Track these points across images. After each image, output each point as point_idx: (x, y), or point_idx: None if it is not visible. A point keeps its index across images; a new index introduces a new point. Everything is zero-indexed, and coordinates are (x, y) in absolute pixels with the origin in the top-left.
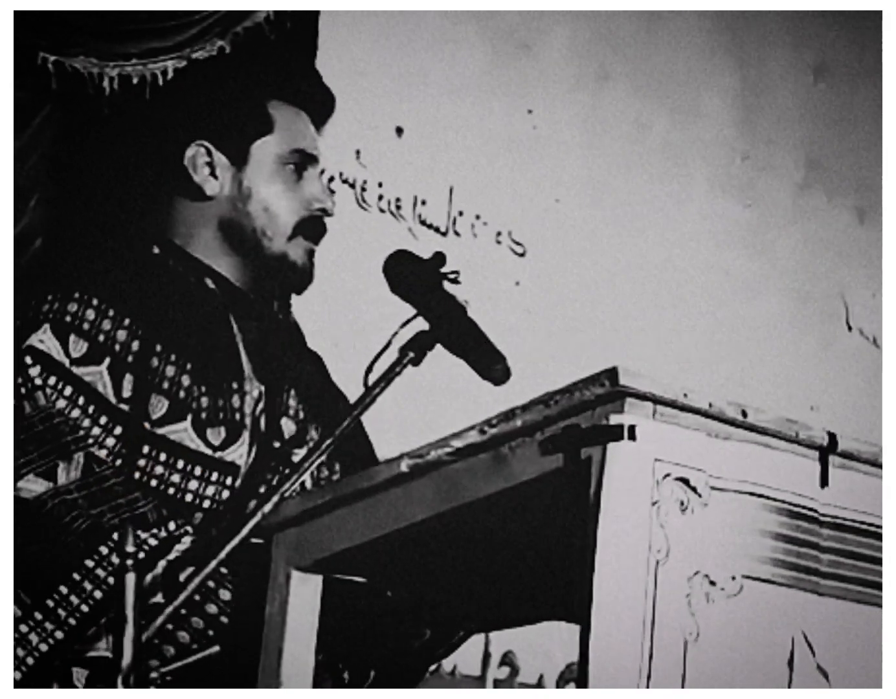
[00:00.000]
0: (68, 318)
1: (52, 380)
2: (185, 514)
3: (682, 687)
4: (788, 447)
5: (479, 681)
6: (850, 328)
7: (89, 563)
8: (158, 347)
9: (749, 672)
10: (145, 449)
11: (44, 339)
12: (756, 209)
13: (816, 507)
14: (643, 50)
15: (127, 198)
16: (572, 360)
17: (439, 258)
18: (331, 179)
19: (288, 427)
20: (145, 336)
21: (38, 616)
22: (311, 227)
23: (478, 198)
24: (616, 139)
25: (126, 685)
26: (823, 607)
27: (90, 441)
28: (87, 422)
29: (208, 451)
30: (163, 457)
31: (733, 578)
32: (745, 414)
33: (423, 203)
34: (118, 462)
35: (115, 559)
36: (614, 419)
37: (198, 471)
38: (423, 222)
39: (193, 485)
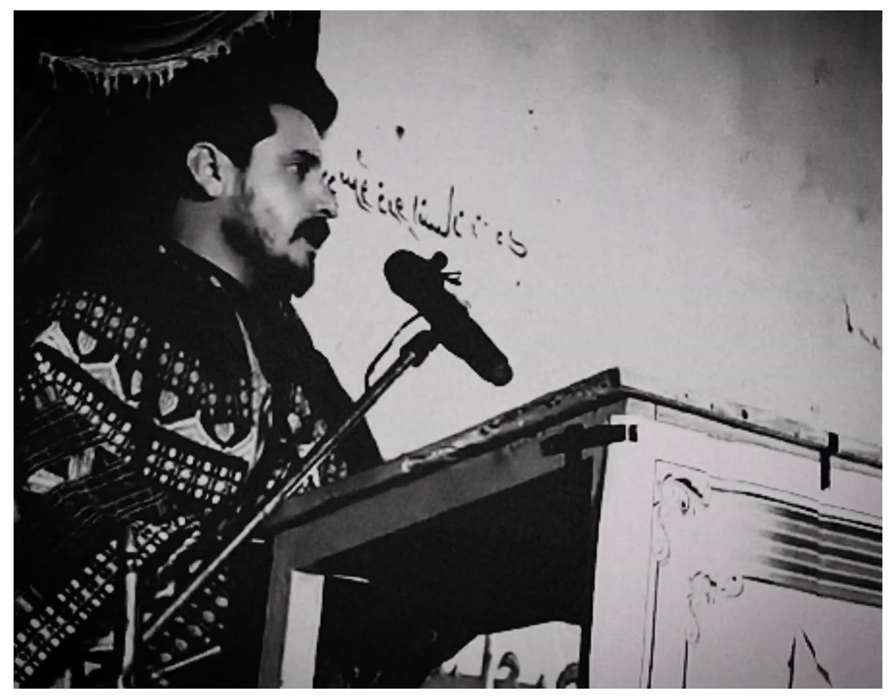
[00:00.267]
0: (77, 316)
1: (61, 377)
2: (195, 510)
3: (683, 687)
4: (789, 448)
5: (479, 682)
6: (850, 329)
7: (101, 558)
8: (167, 345)
9: (750, 672)
10: (155, 445)
11: (53, 336)
12: (757, 209)
13: (817, 508)
14: (644, 50)
15: (129, 197)
16: (573, 361)
17: (440, 258)
18: (331, 179)
19: (295, 423)
20: (153, 333)
21: (50, 611)
22: (314, 228)
23: (479, 198)
24: (617, 139)
25: (127, 685)
26: (824, 608)
27: (100, 436)
28: (96, 419)
29: (217, 447)
30: (172, 452)
31: (734, 579)
32: (745, 414)
33: (424, 203)
34: (128, 458)
35: (134, 549)
36: (615, 419)
37: (207, 466)
38: (423, 222)
39: (203, 480)
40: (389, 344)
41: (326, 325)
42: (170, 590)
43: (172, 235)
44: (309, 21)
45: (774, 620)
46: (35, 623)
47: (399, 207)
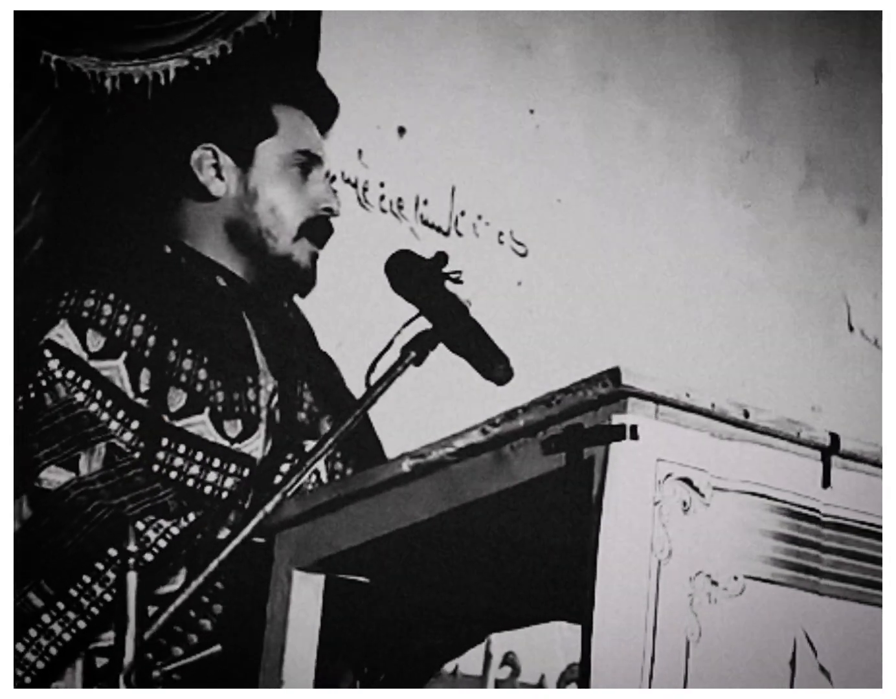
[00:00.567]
0: (85, 314)
1: (70, 374)
2: (205, 506)
3: (685, 687)
4: (790, 447)
5: (480, 681)
6: (851, 329)
7: (112, 553)
8: (175, 342)
9: (751, 672)
10: (164, 441)
11: (62, 334)
12: (757, 209)
13: (818, 508)
14: (645, 50)
15: (130, 197)
16: (574, 360)
17: (441, 258)
18: (333, 179)
19: (302, 420)
20: (161, 331)
21: (61, 606)
22: (317, 228)
23: (480, 198)
24: (618, 139)
25: (128, 683)
26: (825, 607)
27: (110, 432)
28: (105, 416)
29: (226, 444)
30: (182, 448)
31: (735, 578)
32: (747, 414)
33: (425, 203)
34: (137, 454)
35: (135, 548)
36: (617, 419)
37: (216, 462)
38: (424, 222)
39: (212, 476)
40: (390, 343)
41: (327, 325)
42: (176, 584)
43: (177, 235)
44: (310, 21)
45: (776, 620)
46: (46, 618)
47: (400, 207)
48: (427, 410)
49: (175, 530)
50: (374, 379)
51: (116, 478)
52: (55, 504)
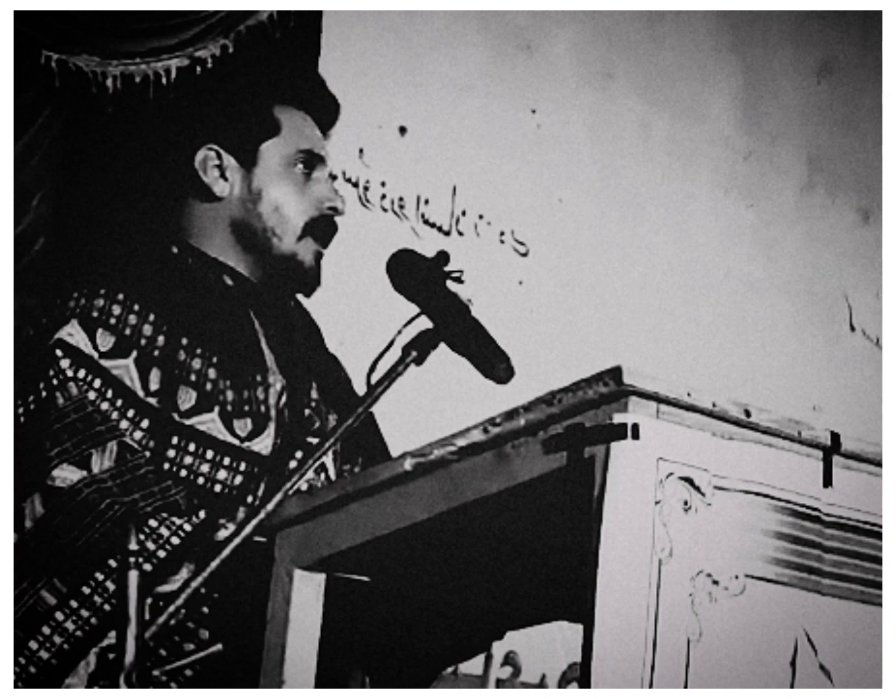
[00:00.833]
0: (95, 313)
1: (81, 373)
2: (215, 504)
3: (685, 686)
4: (792, 447)
5: (480, 681)
6: (853, 328)
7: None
8: (184, 341)
9: (752, 672)
10: (175, 439)
11: (73, 333)
12: (759, 209)
13: (820, 507)
14: (647, 50)
15: (131, 196)
16: (575, 359)
17: (443, 257)
18: (334, 178)
19: (311, 419)
20: (170, 331)
21: (74, 603)
22: (322, 227)
23: (481, 197)
24: (619, 139)
25: (129, 683)
26: (826, 607)
27: (121, 430)
28: (115, 415)
29: (236, 442)
30: (192, 447)
31: (736, 578)
32: (748, 413)
33: (427, 202)
34: (148, 452)
35: (150, 545)
36: (618, 418)
37: (226, 461)
38: (426, 221)
39: (222, 474)
40: (391, 342)
41: (329, 324)
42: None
43: (183, 236)
44: (311, 20)
45: (777, 620)
46: (59, 615)
47: (401, 206)
48: (428, 409)
49: (188, 527)
50: (375, 378)
51: (128, 476)
52: (68, 502)
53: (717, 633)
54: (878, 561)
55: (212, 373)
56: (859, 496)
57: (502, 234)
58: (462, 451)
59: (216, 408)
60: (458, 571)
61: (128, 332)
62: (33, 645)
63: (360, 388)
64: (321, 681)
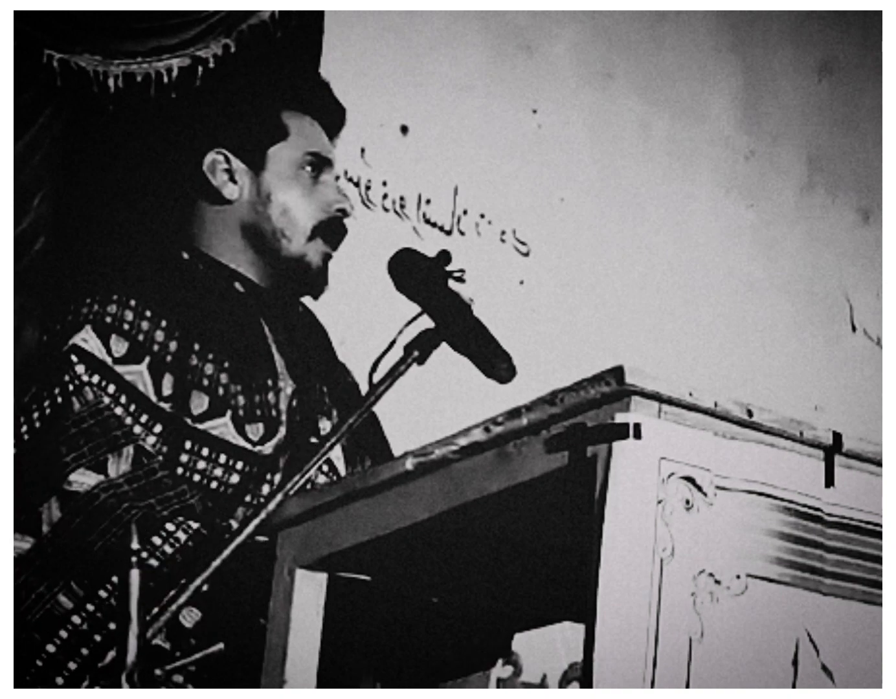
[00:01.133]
0: (108, 319)
1: (95, 379)
2: (228, 508)
3: (687, 686)
4: (793, 447)
5: (481, 681)
6: (854, 328)
7: (143, 555)
8: (196, 347)
9: (753, 671)
10: (188, 444)
11: (87, 339)
12: (760, 208)
13: (821, 507)
14: (647, 50)
15: (133, 196)
16: (577, 359)
17: (444, 256)
18: (336, 178)
19: (322, 423)
20: (182, 336)
21: (91, 607)
22: (331, 229)
23: (482, 197)
24: (620, 138)
25: (130, 682)
26: (828, 607)
27: (136, 436)
28: (129, 421)
29: (248, 446)
30: (205, 451)
31: (738, 577)
32: (750, 413)
33: (428, 202)
34: (162, 457)
35: (167, 549)
36: (620, 418)
37: (239, 465)
38: (427, 221)
39: (235, 479)
40: (393, 342)
41: (331, 323)
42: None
43: (193, 240)
44: (313, 19)
45: (778, 619)
46: (76, 619)
47: (403, 206)
48: (430, 409)
49: (205, 531)
50: (377, 378)
51: (144, 481)
52: (85, 506)
53: (719, 633)
54: (880, 561)
55: (224, 378)
56: (861, 496)
57: (503, 233)
58: (463, 451)
59: (228, 413)
60: (459, 571)
61: (141, 337)
62: (51, 648)
63: (362, 388)
64: (322, 681)
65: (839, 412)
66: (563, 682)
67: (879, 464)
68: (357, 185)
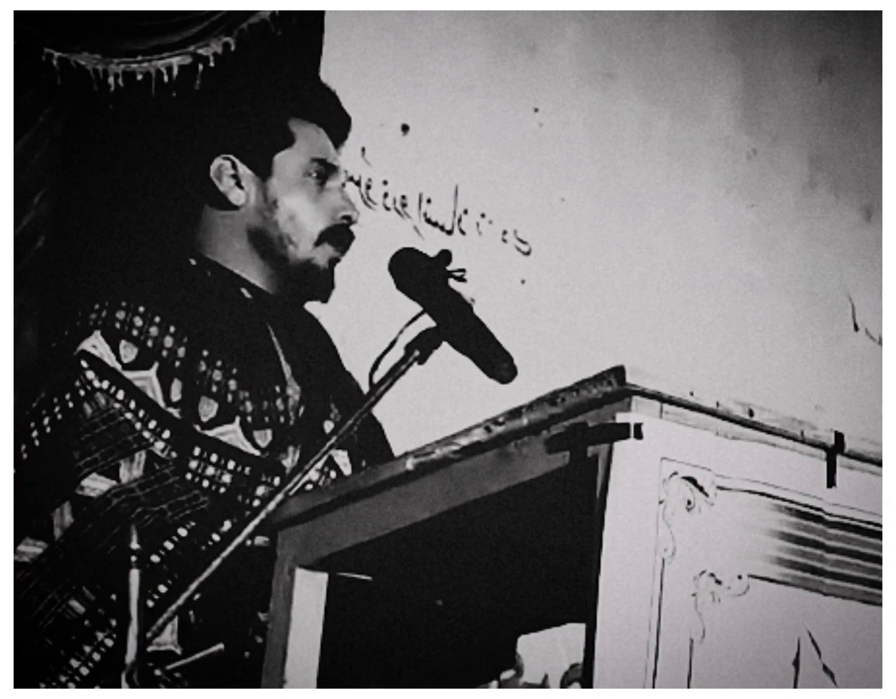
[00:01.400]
0: (118, 325)
1: (105, 384)
2: (239, 513)
3: (688, 686)
4: (795, 447)
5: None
6: (856, 328)
7: (155, 559)
8: (205, 353)
9: (755, 672)
10: (197, 450)
11: (96, 345)
12: (761, 208)
13: (823, 507)
14: (648, 50)
15: (133, 195)
16: (578, 359)
17: (445, 255)
18: (342, 185)
19: (329, 429)
20: (191, 343)
21: (102, 612)
22: (337, 235)
23: (483, 196)
24: (621, 138)
25: (130, 682)
26: (830, 607)
27: (148, 441)
28: (138, 426)
29: (256, 453)
30: (214, 458)
31: (739, 578)
32: (751, 413)
33: (429, 201)
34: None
35: (180, 553)
36: (621, 417)
37: (248, 471)
38: (428, 220)
39: (244, 484)
40: (394, 341)
41: (331, 323)
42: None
43: (200, 246)
44: (314, 18)
45: (780, 619)
46: (88, 624)
47: (404, 205)
48: (430, 409)
49: (216, 536)
50: (377, 377)
51: (156, 486)
52: (97, 511)
53: (720, 633)
54: (881, 561)
55: (232, 384)
56: (862, 496)
57: (504, 233)
58: (465, 451)
59: (237, 419)
60: (460, 571)
61: (150, 343)
62: (62, 653)
63: (364, 390)
64: (323, 681)
65: (840, 412)
66: (565, 683)
67: (880, 464)
68: (358, 184)
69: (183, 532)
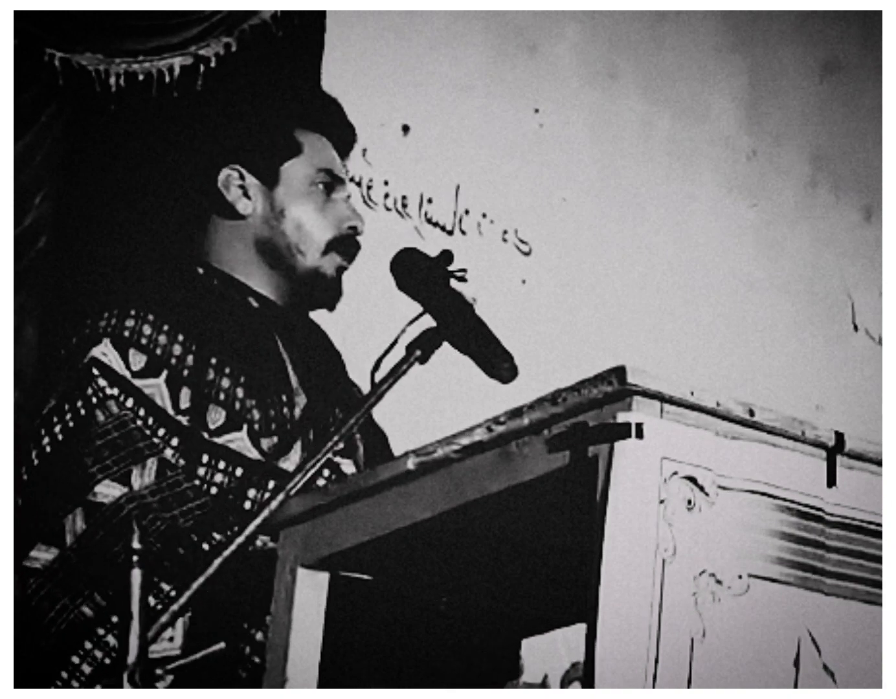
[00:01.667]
0: (127, 333)
1: (114, 391)
2: (246, 520)
3: (689, 686)
4: (796, 446)
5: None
6: (856, 328)
7: (167, 564)
8: (213, 361)
9: (755, 671)
10: (205, 458)
11: (106, 353)
12: (762, 208)
13: (823, 507)
14: (649, 50)
15: (135, 197)
16: (579, 359)
17: (446, 256)
18: (347, 196)
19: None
20: (199, 351)
21: (114, 618)
22: (344, 245)
23: (484, 196)
24: (622, 138)
25: (131, 681)
26: (830, 607)
27: (159, 448)
28: (147, 433)
29: (264, 460)
30: (222, 465)
31: (740, 577)
32: (752, 413)
33: (430, 201)
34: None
35: (191, 559)
36: (622, 417)
37: (255, 478)
38: (429, 221)
39: (252, 492)
40: (395, 341)
41: (332, 323)
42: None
43: (207, 255)
44: (315, 19)
45: (780, 619)
46: (100, 630)
47: (405, 205)
48: (431, 409)
49: (223, 539)
50: (378, 377)
51: (167, 493)
52: (110, 517)
53: (721, 633)
54: (881, 561)
55: (240, 392)
56: (862, 496)
57: (505, 233)
58: (466, 450)
59: (245, 427)
60: (460, 571)
61: (158, 351)
62: (75, 659)
63: (362, 388)
64: (324, 680)
65: (840, 412)
66: (565, 682)
67: (880, 463)
68: (359, 184)
69: (195, 537)
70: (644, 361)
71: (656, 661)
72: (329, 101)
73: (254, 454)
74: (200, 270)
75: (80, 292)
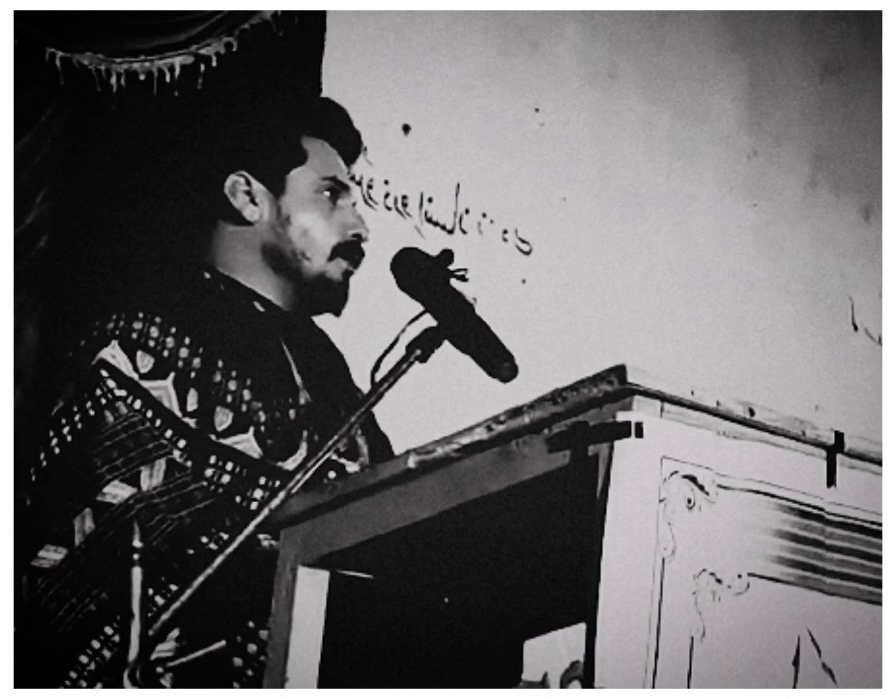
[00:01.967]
0: (135, 335)
1: (122, 393)
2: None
3: (688, 686)
4: (796, 446)
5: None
6: (856, 327)
7: (175, 566)
8: (220, 363)
9: (755, 671)
10: (212, 459)
11: (114, 355)
12: (763, 208)
13: (823, 506)
14: (649, 49)
15: (136, 197)
16: (579, 358)
17: (447, 255)
18: (353, 204)
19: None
20: (206, 353)
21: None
22: (349, 251)
23: (484, 195)
24: (623, 137)
25: (132, 679)
26: (830, 606)
27: (168, 450)
28: (155, 434)
29: (271, 462)
30: (229, 466)
31: (740, 576)
32: (752, 412)
33: (430, 200)
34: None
35: (199, 559)
36: (622, 416)
37: (262, 480)
38: (429, 220)
39: (258, 493)
40: (396, 340)
41: (333, 322)
42: None
43: (213, 260)
44: (316, 18)
45: (780, 619)
46: (108, 629)
47: (405, 205)
48: (432, 407)
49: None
50: (379, 376)
51: (175, 493)
52: (118, 518)
53: (721, 632)
54: (881, 560)
55: (246, 394)
56: (862, 495)
57: (505, 232)
58: (466, 449)
59: (251, 429)
60: (461, 570)
61: (166, 354)
62: (84, 659)
63: (362, 387)
64: (324, 679)
65: (840, 412)
66: (565, 681)
67: (880, 463)
68: (359, 183)
69: (203, 538)
70: (644, 361)
71: (656, 660)
72: (335, 107)
73: (260, 455)
74: (207, 275)
75: (81, 292)
